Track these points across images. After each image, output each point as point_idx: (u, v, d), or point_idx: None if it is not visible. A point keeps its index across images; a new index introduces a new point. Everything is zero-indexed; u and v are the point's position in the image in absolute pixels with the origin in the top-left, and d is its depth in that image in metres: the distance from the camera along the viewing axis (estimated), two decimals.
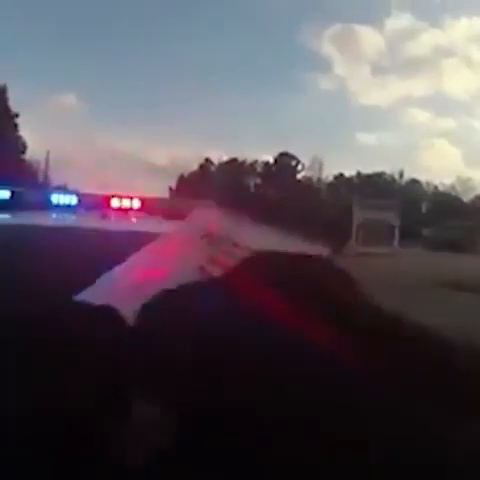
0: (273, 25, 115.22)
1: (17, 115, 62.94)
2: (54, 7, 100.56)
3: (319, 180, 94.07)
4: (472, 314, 14.52)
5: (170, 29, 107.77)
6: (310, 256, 2.60)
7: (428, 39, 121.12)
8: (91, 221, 2.75)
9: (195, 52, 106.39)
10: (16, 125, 63.09)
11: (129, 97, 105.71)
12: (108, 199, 2.91)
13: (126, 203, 2.93)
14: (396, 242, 47.88)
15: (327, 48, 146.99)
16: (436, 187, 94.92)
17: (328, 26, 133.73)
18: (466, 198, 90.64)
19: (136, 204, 2.94)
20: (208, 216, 2.67)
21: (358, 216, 50.37)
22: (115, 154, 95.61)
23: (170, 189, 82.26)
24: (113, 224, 2.73)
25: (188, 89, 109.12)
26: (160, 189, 78.70)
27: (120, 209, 2.88)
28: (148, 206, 2.98)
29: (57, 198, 2.87)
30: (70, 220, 2.75)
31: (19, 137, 63.57)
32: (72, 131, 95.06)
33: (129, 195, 2.95)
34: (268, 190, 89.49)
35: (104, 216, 2.78)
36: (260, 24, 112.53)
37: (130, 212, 2.89)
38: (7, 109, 61.15)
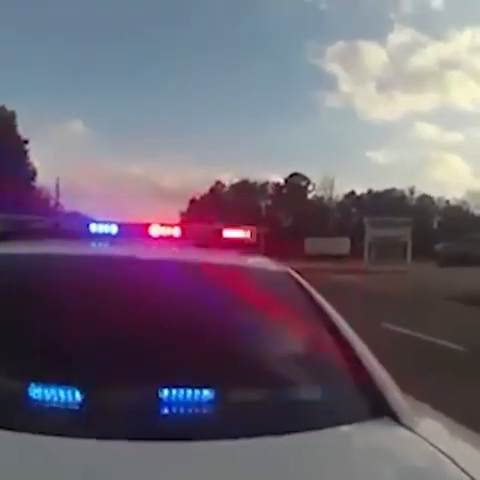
0: (277, 46, 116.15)
1: (27, 141, 63.26)
2: (61, 35, 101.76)
3: (330, 199, 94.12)
4: (464, 321, 14.71)
5: (177, 56, 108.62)
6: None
7: (432, 52, 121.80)
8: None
9: (202, 76, 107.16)
10: (26, 152, 63.37)
11: (137, 123, 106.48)
12: (147, 227, 2.95)
13: (166, 231, 2.96)
14: (409, 258, 47.72)
15: (332, 66, 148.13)
16: (447, 202, 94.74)
17: (331, 44, 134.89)
18: (478, 211, 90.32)
19: (176, 232, 2.97)
20: None
21: (370, 234, 50.29)
22: (125, 179, 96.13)
23: (181, 214, 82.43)
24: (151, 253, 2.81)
25: (197, 111, 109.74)
26: (172, 213, 79.11)
27: (161, 237, 2.93)
28: (189, 234, 3.02)
29: (96, 227, 2.92)
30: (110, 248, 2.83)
31: (29, 163, 63.87)
32: (81, 157, 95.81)
33: (169, 223, 3.00)
34: (279, 211, 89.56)
35: (143, 244, 2.85)
36: (265, 46, 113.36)
37: (170, 240, 2.94)
38: (16, 135, 61.42)
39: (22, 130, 63.18)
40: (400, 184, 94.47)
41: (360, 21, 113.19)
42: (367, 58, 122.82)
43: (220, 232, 3.12)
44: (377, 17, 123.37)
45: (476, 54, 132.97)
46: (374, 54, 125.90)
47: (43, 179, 65.32)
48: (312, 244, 63.90)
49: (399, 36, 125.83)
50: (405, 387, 2.09)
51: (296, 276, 2.62)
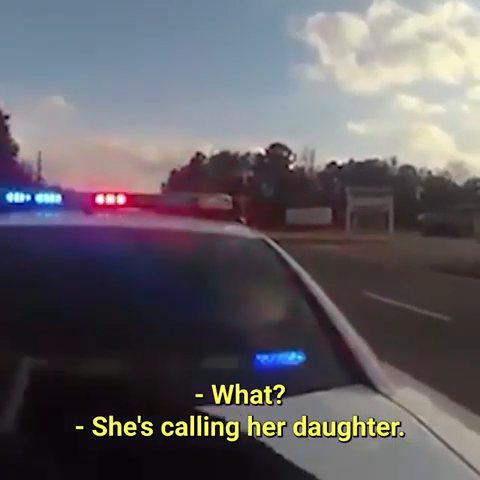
0: (257, 19, 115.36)
1: (8, 117, 62.81)
2: (42, 12, 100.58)
3: (311, 169, 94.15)
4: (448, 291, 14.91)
5: (158, 30, 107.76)
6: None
7: (413, 24, 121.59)
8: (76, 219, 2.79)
9: (183, 50, 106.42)
10: (7, 127, 62.97)
11: (118, 97, 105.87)
12: (93, 196, 2.90)
13: (111, 199, 2.92)
14: (391, 228, 48.02)
15: (312, 38, 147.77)
16: (430, 172, 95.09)
17: (311, 15, 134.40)
18: (460, 182, 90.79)
19: (121, 200, 2.93)
20: None
21: (352, 203, 50.55)
22: (107, 153, 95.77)
23: (162, 185, 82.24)
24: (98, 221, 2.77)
25: (178, 84, 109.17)
26: (154, 186, 78.97)
27: (105, 206, 2.89)
28: (133, 202, 2.98)
29: (42, 197, 2.87)
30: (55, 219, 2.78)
31: (10, 139, 63.53)
32: (63, 132, 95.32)
33: (114, 191, 2.95)
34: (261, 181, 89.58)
35: (89, 213, 2.80)
36: (245, 18, 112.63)
37: (116, 208, 2.89)
38: None
39: (3, 106, 62.76)
40: (382, 155, 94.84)
41: None
42: (348, 30, 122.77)
43: (195, 201, 3.09)
44: None
45: (457, 27, 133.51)
46: (355, 26, 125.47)
47: (25, 154, 65.14)
48: (293, 215, 64.14)
49: (379, 8, 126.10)
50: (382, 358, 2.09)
51: (271, 243, 2.60)
